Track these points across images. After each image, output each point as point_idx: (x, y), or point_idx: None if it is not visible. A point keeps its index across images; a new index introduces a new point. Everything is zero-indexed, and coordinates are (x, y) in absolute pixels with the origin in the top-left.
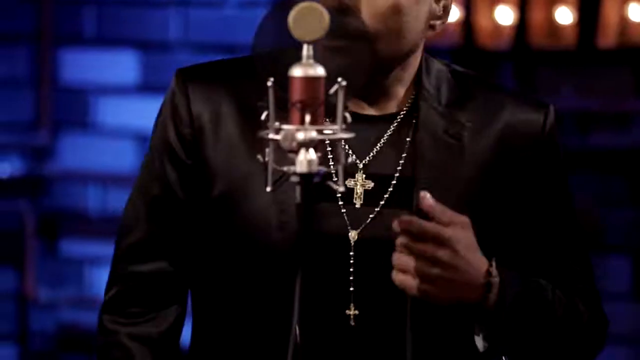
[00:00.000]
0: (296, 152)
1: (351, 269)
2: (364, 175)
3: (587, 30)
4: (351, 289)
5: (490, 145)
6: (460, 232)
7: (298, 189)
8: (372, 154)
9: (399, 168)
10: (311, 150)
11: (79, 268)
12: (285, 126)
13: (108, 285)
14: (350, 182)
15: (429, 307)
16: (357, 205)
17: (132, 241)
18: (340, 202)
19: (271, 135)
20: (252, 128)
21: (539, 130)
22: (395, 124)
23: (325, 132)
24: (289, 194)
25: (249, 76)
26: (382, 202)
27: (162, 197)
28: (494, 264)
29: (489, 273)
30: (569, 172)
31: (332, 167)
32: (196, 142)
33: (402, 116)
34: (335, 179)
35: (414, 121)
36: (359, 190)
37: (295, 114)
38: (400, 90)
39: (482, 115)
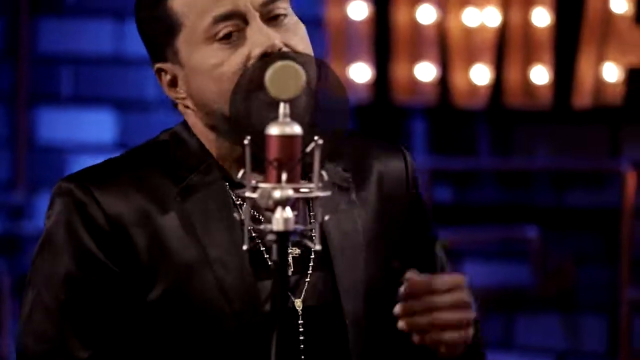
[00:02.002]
0: (273, 210)
1: (301, 337)
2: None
3: (563, 90)
4: (302, 357)
5: (372, 194)
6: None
7: (274, 247)
8: None
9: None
10: (287, 208)
11: None
12: (262, 184)
13: None
14: None
15: None
16: (289, 274)
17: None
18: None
19: (247, 194)
20: (175, 218)
21: (404, 173)
22: None
23: (302, 190)
24: (235, 281)
25: (147, 167)
26: (311, 264)
27: (92, 311)
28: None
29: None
30: (543, 230)
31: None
32: (122, 248)
33: None
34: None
35: None
36: (289, 258)
37: (271, 172)
38: None
39: (354, 164)
